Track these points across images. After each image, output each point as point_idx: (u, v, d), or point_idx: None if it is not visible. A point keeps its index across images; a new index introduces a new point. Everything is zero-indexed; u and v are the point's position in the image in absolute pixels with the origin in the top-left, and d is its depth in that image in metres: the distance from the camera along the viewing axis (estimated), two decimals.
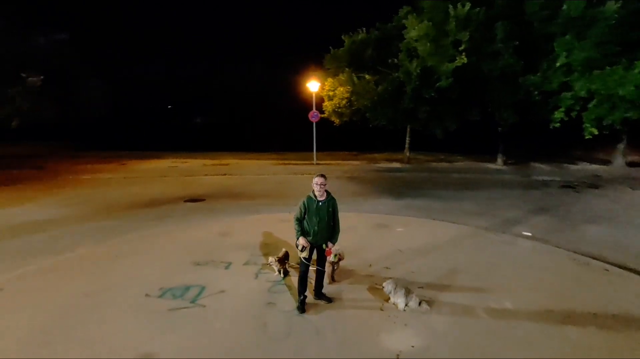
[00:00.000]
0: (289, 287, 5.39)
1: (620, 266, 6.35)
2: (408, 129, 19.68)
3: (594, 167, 19.03)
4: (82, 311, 4.72)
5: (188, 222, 9.12)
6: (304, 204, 4.67)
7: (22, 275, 5.80)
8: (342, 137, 26.00)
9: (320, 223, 4.63)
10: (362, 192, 13.15)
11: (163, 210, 10.46)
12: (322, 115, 19.76)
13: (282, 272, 5.73)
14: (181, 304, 4.90)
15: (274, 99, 30.21)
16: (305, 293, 4.85)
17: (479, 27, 14.37)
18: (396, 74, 15.89)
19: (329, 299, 4.98)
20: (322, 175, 4.71)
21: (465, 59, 14.05)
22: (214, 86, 35.15)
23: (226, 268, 6.14)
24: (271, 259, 5.79)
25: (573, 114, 14.14)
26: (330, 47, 19.56)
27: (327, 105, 19.35)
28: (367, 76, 17.89)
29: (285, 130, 27.11)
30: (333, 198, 4.82)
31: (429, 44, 14.29)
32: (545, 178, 16.05)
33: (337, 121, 20.19)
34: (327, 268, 5.47)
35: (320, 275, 4.98)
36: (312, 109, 19.86)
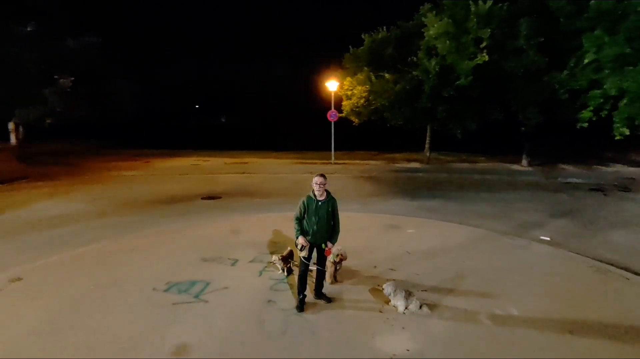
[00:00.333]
0: (291, 286, 5.43)
1: None
2: (428, 129, 19.32)
3: (627, 169, 18.02)
4: (92, 301, 4.94)
5: (202, 219, 9.36)
6: (303, 203, 4.70)
7: (43, 266, 6.15)
8: (362, 136, 25.84)
9: (320, 223, 4.64)
10: (377, 192, 13.04)
11: (180, 207, 10.78)
12: (340, 115, 19.73)
13: (285, 270, 5.78)
14: (185, 299, 5.04)
15: (295, 99, 30.40)
16: (305, 292, 4.87)
17: (501, 23, 13.88)
18: (415, 73, 15.60)
19: (329, 299, 4.98)
20: (322, 175, 4.71)
21: (486, 56, 13.61)
22: (238, 86, 35.77)
23: (232, 264, 6.26)
24: (275, 257, 5.86)
25: (602, 113, 13.41)
26: (350, 46, 19.50)
27: (346, 105, 19.30)
28: (386, 75, 17.68)
29: (305, 130, 27.22)
30: (333, 198, 4.82)
31: (448, 42, 13.95)
32: (573, 180, 15.35)
33: (356, 121, 20.09)
34: (330, 268, 5.49)
35: (320, 274, 4.99)
36: (331, 109, 19.90)
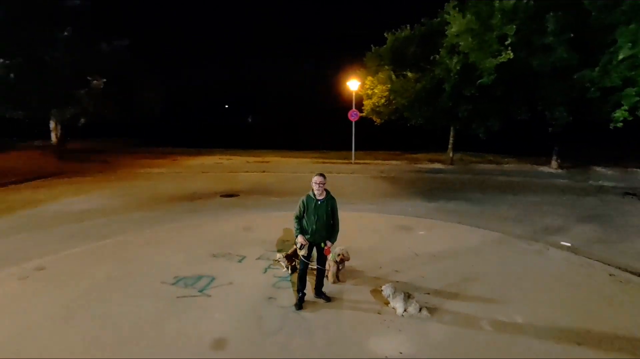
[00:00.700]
0: (293, 284, 5.48)
1: None
2: (452, 129, 18.83)
3: None
4: (104, 292, 5.22)
5: (218, 216, 9.60)
6: (303, 203, 4.75)
7: (65, 256, 6.54)
8: (384, 136, 25.59)
9: (319, 222, 4.68)
10: (395, 193, 12.87)
11: (199, 204, 11.11)
12: (361, 115, 19.61)
13: (289, 269, 5.85)
14: (190, 293, 5.22)
15: (318, 98, 30.56)
16: (305, 291, 4.92)
17: (527, 19, 13.26)
18: (436, 72, 15.25)
19: (328, 299, 5.01)
20: (321, 174, 4.75)
21: (511, 53, 13.06)
22: (264, 86, 36.41)
23: (239, 261, 6.41)
24: (279, 255, 5.94)
25: (638, 112, 12.56)
26: (372, 45, 19.34)
27: (366, 104, 19.16)
28: (409, 74, 17.38)
29: (328, 129, 27.29)
30: (332, 198, 4.84)
31: (470, 39, 13.51)
32: (606, 183, 14.49)
33: (378, 120, 19.90)
34: (332, 268, 5.51)
35: (320, 273, 5.02)
36: (356, 108, 19.83)
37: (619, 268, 6.27)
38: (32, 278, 5.64)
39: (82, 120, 18.67)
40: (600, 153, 21.33)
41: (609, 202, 11.64)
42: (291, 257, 5.91)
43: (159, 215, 9.78)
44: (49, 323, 4.42)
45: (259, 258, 6.51)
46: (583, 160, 19.48)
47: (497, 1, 13.36)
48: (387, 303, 4.86)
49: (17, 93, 15.81)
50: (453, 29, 14.25)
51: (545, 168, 18.01)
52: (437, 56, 15.47)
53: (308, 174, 16.40)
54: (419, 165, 19.50)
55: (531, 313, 4.72)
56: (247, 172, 17.40)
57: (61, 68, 16.27)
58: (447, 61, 14.51)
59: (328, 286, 5.36)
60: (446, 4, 16.69)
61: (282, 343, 4.08)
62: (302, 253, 4.77)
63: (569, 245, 7.58)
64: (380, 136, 25.15)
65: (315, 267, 5.05)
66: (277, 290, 5.33)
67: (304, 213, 4.73)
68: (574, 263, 6.50)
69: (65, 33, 16.27)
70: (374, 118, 19.69)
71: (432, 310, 4.74)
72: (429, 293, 5.23)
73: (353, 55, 21.28)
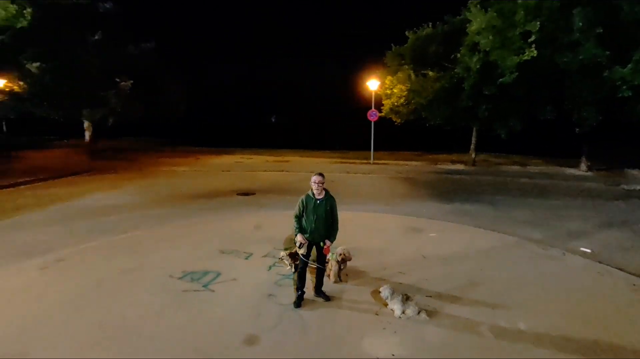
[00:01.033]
0: (295, 282, 5.52)
1: None
2: (474, 129, 18.32)
3: None
4: (115, 284, 5.47)
5: (232, 213, 9.83)
6: (302, 202, 4.79)
7: (83, 249, 6.90)
8: (405, 136, 25.29)
9: (318, 221, 4.70)
10: (411, 194, 12.69)
11: (216, 201, 11.39)
12: (380, 115, 19.44)
13: (293, 267, 5.90)
14: (194, 287, 5.38)
15: (338, 98, 30.54)
16: (304, 289, 4.96)
17: (553, 15, 12.68)
18: (456, 70, 14.88)
19: (327, 298, 5.02)
20: (320, 174, 4.78)
21: (534, 51, 12.54)
22: (286, 86, 36.77)
23: (246, 258, 6.53)
24: (283, 253, 6.00)
25: None
26: (392, 44, 19.12)
27: (385, 104, 18.97)
28: (430, 73, 17.07)
29: (348, 129, 27.25)
30: (331, 197, 4.86)
31: (491, 37, 13.08)
32: (638, 187, 13.66)
33: (397, 120, 19.66)
34: (334, 267, 5.53)
35: (320, 272, 5.05)
36: (376, 108, 19.70)
37: None
38: (51, 268, 5.99)
39: (111, 120, 19.59)
40: (635, 155, 20.12)
41: (638, 207, 10.99)
42: (295, 255, 5.93)
43: (176, 211, 10.10)
44: (61, 311, 4.69)
45: (265, 256, 6.61)
46: (615, 162, 18.43)
47: None
48: (386, 305, 4.82)
49: (52, 95, 16.80)
50: (473, 27, 13.85)
51: (573, 171, 17.20)
52: (458, 54, 15.08)
53: (325, 174, 16.56)
54: (440, 166, 19.12)
55: (536, 321, 4.55)
56: (266, 171, 17.65)
57: (91, 71, 17.14)
58: (467, 60, 14.11)
59: (329, 286, 5.38)
60: (470, 1, 16.27)
61: (275, 339, 4.14)
62: (301, 251, 4.82)
63: (589, 251, 7.22)
64: (402, 136, 24.87)
65: (315, 266, 5.07)
66: (278, 288, 5.40)
67: (303, 212, 4.77)
68: (592, 270, 6.19)
69: (96, 37, 17.12)
70: (393, 118, 19.46)
71: (431, 313, 4.66)
72: (430, 296, 5.14)
73: (374, 55, 21.13)
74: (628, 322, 4.59)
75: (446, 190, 13.27)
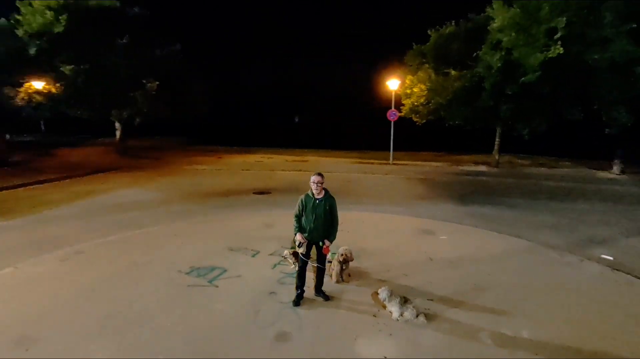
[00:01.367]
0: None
1: None
2: (498, 130, 17.72)
3: None
4: (126, 276, 5.73)
5: (245, 211, 10.00)
6: (301, 201, 4.84)
7: (102, 243, 7.26)
8: (428, 136, 24.82)
9: (317, 221, 4.74)
10: (427, 195, 12.46)
11: (232, 200, 11.64)
12: (400, 114, 19.18)
13: (296, 265, 5.96)
14: (200, 283, 5.54)
15: (359, 98, 30.36)
16: (304, 288, 5.02)
17: (580, 10, 12.04)
18: (477, 69, 14.44)
19: (327, 297, 5.04)
20: (319, 174, 4.81)
21: (560, 48, 11.97)
22: (308, 87, 36.97)
23: (253, 256, 6.66)
24: (286, 252, 6.07)
25: None
26: (413, 43, 18.82)
27: (406, 104, 18.70)
28: (452, 72, 16.67)
29: (369, 129, 27.05)
30: (331, 197, 4.88)
31: (514, 34, 12.59)
32: None
33: (419, 121, 19.33)
34: (336, 267, 5.54)
35: (319, 272, 5.07)
36: (396, 107, 19.48)
37: None
38: (70, 260, 6.35)
39: (138, 120, 20.41)
40: None
41: None
42: (297, 254, 6.02)
43: (193, 208, 10.41)
44: (74, 300, 4.97)
45: (271, 254, 6.71)
46: None
47: None
48: (385, 307, 4.79)
49: (84, 96, 17.72)
50: (496, 24, 13.40)
51: (605, 174, 16.30)
52: (479, 53, 14.64)
53: (343, 174, 16.65)
54: (461, 167, 18.64)
55: (540, 329, 4.38)
56: (284, 170, 17.83)
57: (120, 73, 17.93)
58: (488, 58, 13.66)
59: (330, 286, 5.40)
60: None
61: (269, 337, 4.21)
62: (300, 250, 4.87)
63: (610, 259, 6.85)
64: (423, 136, 24.43)
65: (316, 265, 5.11)
66: (280, 286, 5.48)
67: (302, 211, 4.82)
68: (610, 279, 5.88)
69: (124, 40, 17.89)
70: (414, 118, 19.16)
71: (430, 317, 4.59)
72: (432, 299, 5.06)
73: (395, 54, 20.87)
74: None
75: (465, 192, 12.94)
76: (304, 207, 4.80)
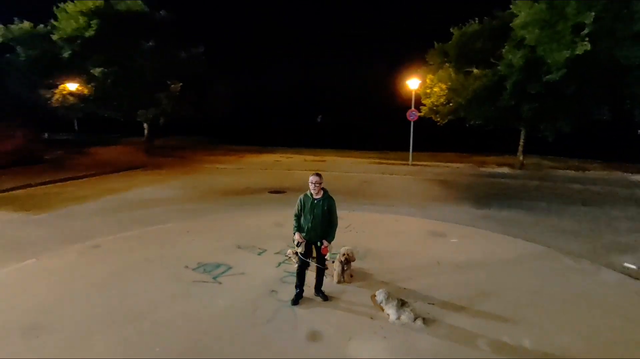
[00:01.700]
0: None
1: None
2: (522, 130, 17.06)
3: None
4: (136, 271, 5.96)
5: (259, 210, 10.15)
6: (300, 201, 4.87)
7: (118, 238, 7.58)
8: (451, 137, 24.24)
9: (314, 221, 4.76)
10: (444, 197, 12.18)
11: (247, 198, 11.85)
12: (420, 114, 18.84)
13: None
14: (205, 279, 5.69)
15: (383, 97, 30.04)
16: (303, 287, 5.05)
17: (609, 5, 11.36)
18: (498, 67, 13.95)
19: (326, 298, 5.05)
20: (318, 174, 4.83)
21: (588, 45, 11.36)
22: (330, 87, 36.99)
23: (259, 254, 6.76)
24: (289, 251, 6.13)
25: None
26: (435, 42, 18.43)
27: (426, 103, 18.35)
28: (475, 70, 16.21)
29: (389, 129, 26.72)
30: (330, 197, 4.88)
31: (538, 31, 12.05)
32: None
33: (439, 120, 18.93)
34: (338, 267, 5.54)
35: (319, 272, 5.09)
36: (416, 107, 19.16)
37: None
38: (87, 254, 6.68)
39: (162, 120, 21.14)
40: None
41: None
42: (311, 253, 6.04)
43: (209, 206, 10.68)
44: (85, 291, 5.23)
45: (277, 253, 6.78)
46: None
47: None
48: (383, 309, 4.74)
49: (112, 97, 18.57)
50: (518, 20, 12.88)
51: (639, 177, 15.35)
52: (502, 51, 14.13)
53: (360, 174, 16.59)
54: (483, 169, 18.10)
55: (543, 338, 4.20)
56: (301, 170, 17.91)
57: (145, 75, 18.65)
58: (510, 56, 13.16)
59: (331, 286, 5.41)
60: None
61: (263, 334, 4.26)
62: (299, 250, 4.91)
63: (634, 267, 6.46)
64: (446, 137, 23.86)
65: (316, 266, 5.13)
66: (282, 284, 5.53)
67: (301, 211, 4.85)
68: (630, 289, 5.55)
69: (150, 43, 18.59)
70: (434, 118, 18.77)
71: (429, 321, 4.51)
72: (433, 304, 4.96)
73: (417, 53, 20.50)
74: None
75: (484, 194, 12.56)
76: (302, 207, 4.83)
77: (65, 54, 17.84)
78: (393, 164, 19.50)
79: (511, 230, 8.51)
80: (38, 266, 6.14)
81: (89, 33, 17.80)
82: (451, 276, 5.84)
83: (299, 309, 4.81)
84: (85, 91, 19.19)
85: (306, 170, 17.65)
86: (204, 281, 5.60)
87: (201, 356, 3.89)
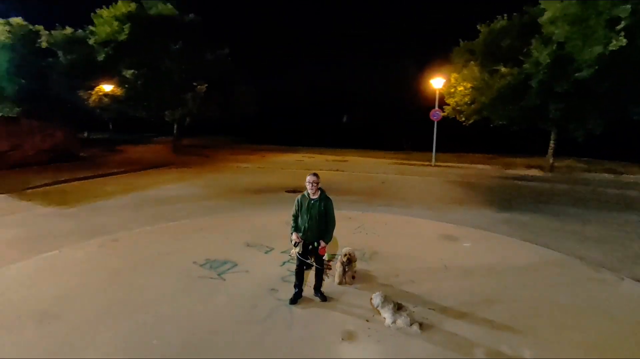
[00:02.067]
0: (304, 279, 5.66)
1: None
2: (552, 131, 16.22)
3: None
4: (148, 265, 6.21)
5: (273, 208, 10.29)
6: (298, 201, 4.90)
7: (136, 233, 7.93)
8: (478, 137, 23.50)
9: (311, 221, 4.77)
10: (465, 200, 11.83)
11: (264, 197, 12.04)
12: (443, 114, 18.36)
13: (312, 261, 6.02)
14: (209, 275, 5.84)
15: (407, 97, 29.58)
16: (302, 287, 5.09)
17: None
18: (524, 65, 13.32)
19: (324, 298, 5.05)
20: (315, 174, 4.84)
21: (623, 40, 10.61)
22: (355, 86, 36.87)
23: (266, 252, 6.85)
24: (293, 251, 6.13)
25: None
26: (460, 39, 17.90)
27: (450, 103, 17.85)
28: (502, 69, 15.60)
29: (414, 129, 26.26)
30: (327, 198, 4.88)
31: (567, 26, 11.38)
32: None
33: (463, 119, 18.37)
34: (339, 268, 5.53)
35: (317, 272, 5.10)
36: (440, 107, 18.71)
37: None
38: (105, 247, 7.03)
39: (188, 120, 21.86)
40: None
41: None
42: (310, 253, 6.08)
43: (227, 204, 10.95)
44: (98, 283, 5.52)
45: (284, 251, 6.84)
46: None
47: None
48: (380, 312, 4.69)
49: (142, 97, 19.43)
50: (546, 16, 12.23)
51: None
52: (530, 48, 13.48)
53: (380, 174, 16.46)
54: (510, 171, 17.39)
55: (547, 351, 4.00)
56: (321, 169, 17.95)
57: (173, 76, 19.37)
58: (536, 53, 12.52)
59: (332, 287, 5.41)
60: None
61: (257, 331, 4.32)
62: (296, 250, 4.95)
63: None
64: (473, 137, 23.17)
65: (315, 266, 5.14)
66: (283, 283, 5.59)
67: (298, 211, 4.88)
68: None
69: (178, 45, 19.28)
70: (457, 118, 18.23)
71: (426, 326, 4.41)
72: (433, 309, 4.84)
73: (441, 51, 20.02)
74: None
75: (508, 198, 12.09)
76: (299, 207, 4.86)
77: (100, 57, 18.86)
78: (415, 165, 19.15)
79: (530, 235, 8.15)
80: (59, 257, 6.53)
81: (122, 37, 18.73)
82: (457, 282, 5.68)
83: (296, 309, 4.85)
84: (118, 92, 20.21)
85: (327, 170, 17.70)
86: (209, 278, 5.75)
87: (195, 350, 4.00)
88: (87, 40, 19.32)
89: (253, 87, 24.21)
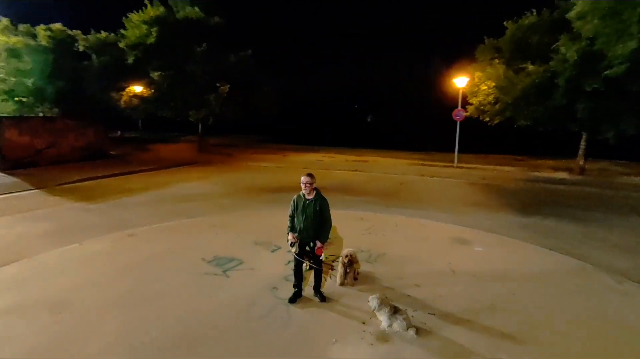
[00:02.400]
0: (305, 279, 5.69)
1: None
2: (583, 132, 15.37)
3: None
4: (159, 259, 6.43)
5: (286, 207, 10.32)
6: (293, 201, 4.96)
7: (151, 229, 8.22)
8: (504, 138, 22.67)
9: (306, 221, 4.80)
10: (485, 203, 11.44)
11: (279, 196, 12.13)
12: (466, 114, 17.81)
13: (307, 265, 6.05)
14: (215, 271, 5.98)
15: (431, 97, 28.96)
16: (301, 286, 5.12)
17: None
18: (551, 63, 12.66)
19: (323, 299, 5.05)
20: (309, 175, 4.90)
21: None
22: (379, 86, 36.56)
23: (273, 251, 6.93)
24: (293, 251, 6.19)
25: None
26: (485, 37, 17.30)
27: (473, 102, 17.29)
28: (530, 67, 14.94)
29: (437, 129, 25.68)
30: (322, 198, 4.89)
31: (597, 21, 10.71)
32: None
33: (487, 119, 17.73)
34: (340, 269, 5.51)
35: (316, 272, 5.11)
36: (463, 107, 18.18)
37: None
38: (121, 241, 7.35)
39: (210, 120, 22.42)
40: None
41: None
42: (308, 253, 6.10)
43: (243, 202, 11.14)
44: (110, 275, 5.78)
45: (290, 251, 6.88)
46: None
47: None
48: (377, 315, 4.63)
49: (168, 98, 20.12)
50: (574, 11, 11.58)
51: None
52: (557, 45, 12.83)
53: (399, 176, 16.24)
54: (537, 173, 16.64)
55: None
56: (340, 169, 17.93)
57: (197, 77, 19.93)
58: (564, 50, 11.88)
59: (333, 287, 5.41)
60: None
61: (254, 328, 4.39)
62: (293, 250, 4.98)
63: None
64: (499, 138, 22.38)
65: (314, 266, 5.15)
66: (284, 282, 5.63)
67: (294, 211, 4.92)
68: None
69: (202, 47, 19.81)
70: (481, 118, 17.62)
71: (423, 332, 4.32)
72: (434, 314, 4.73)
73: (466, 51, 19.42)
74: None
75: (531, 202, 11.58)
76: (295, 207, 4.90)
77: (130, 60, 19.70)
78: (436, 166, 18.71)
79: (550, 241, 7.78)
80: (79, 250, 6.89)
81: (150, 40, 19.48)
82: (463, 287, 5.51)
83: (294, 308, 4.88)
84: (146, 93, 21.04)
85: (344, 170, 17.65)
86: (214, 274, 5.89)
87: (189, 343, 4.12)
88: (118, 43, 20.23)
89: (276, 88, 24.49)
